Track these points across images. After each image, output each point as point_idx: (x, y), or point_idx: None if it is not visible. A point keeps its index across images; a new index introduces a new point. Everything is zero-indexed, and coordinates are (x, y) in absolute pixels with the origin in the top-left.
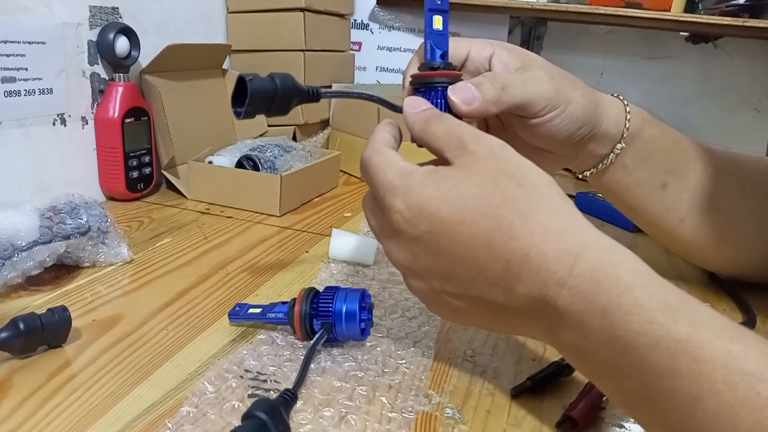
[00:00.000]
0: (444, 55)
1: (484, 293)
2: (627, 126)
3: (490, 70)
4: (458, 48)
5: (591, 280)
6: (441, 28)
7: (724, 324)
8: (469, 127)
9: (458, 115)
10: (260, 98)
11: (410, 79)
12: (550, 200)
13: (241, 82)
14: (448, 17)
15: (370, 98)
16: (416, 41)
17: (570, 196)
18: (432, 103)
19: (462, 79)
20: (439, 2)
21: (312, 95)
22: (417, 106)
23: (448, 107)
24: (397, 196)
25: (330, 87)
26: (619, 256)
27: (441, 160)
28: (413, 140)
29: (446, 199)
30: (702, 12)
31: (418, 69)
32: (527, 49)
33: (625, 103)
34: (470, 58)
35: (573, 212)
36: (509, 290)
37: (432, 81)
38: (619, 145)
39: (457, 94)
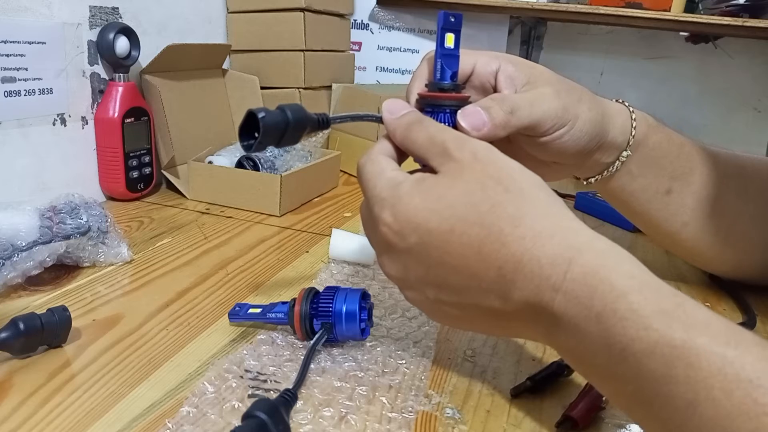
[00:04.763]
0: (454, 76)
1: (480, 300)
2: (633, 134)
3: (495, 84)
4: (463, 62)
5: (585, 285)
6: (452, 46)
7: (720, 328)
8: (451, 132)
9: None
10: (272, 132)
11: (417, 96)
12: (539, 203)
13: (250, 116)
14: (460, 36)
15: (378, 120)
16: (416, 41)
17: (570, 196)
18: None
19: (470, 101)
20: (452, 19)
21: (322, 123)
22: (396, 111)
23: (455, 129)
24: (385, 208)
25: (330, 87)
26: (613, 259)
27: (427, 168)
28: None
29: (434, 210)
30: (702, 12)
31: (426, 87)
32: (527, 49)
33: (631, 109)
34: (476, 73)
35: (564, 214)
36: (504, 296)
37: (441, 103)
38: (624, 153)
39: (466, 118)
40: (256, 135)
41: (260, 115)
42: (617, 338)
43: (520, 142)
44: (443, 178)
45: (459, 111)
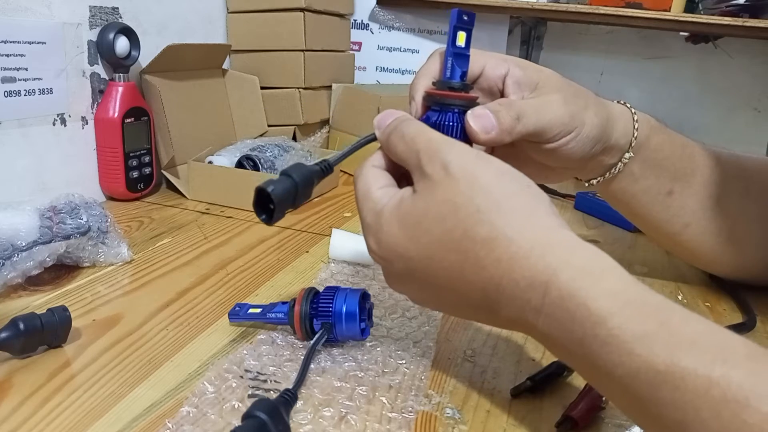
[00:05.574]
0: (463, 75)
1: (473, 313)
2: (635, 135)
3: (503, 89)
4: (473, 63)
5: (563, 309)
6: (464, 45)
7: (708, 343)
8: (425, 139)
9: (469, 139)
10: (285, 200)
11: (423, 94)
12: (515, 217)
13: (260, 192)
14: (471, 35)
15: (374, 139)
16: (416, 41)
17: (570, 196)
18: (446, 124)
19: (478, 103)
20: (466, 18)
21: (326, 170)
22: (383, 124)
23: (462, 129)
24: (369, 235)
25: (330, 87)
26: (592, 277)
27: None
28: None
29: (412, 238)
30: (702, 12)
31: (434, 85)
32: (527, 49)
33: (633, 111)
34: (484, 75)
35: (542, 224)
36: (494, 312)
37: (449, 102)
38: (626, 155)
39: (476, 120)
40: (271, 207)
41: (270, 188)
42: (601, 362)
43: (524, 147)
44: (418, 201)
45: (468, 112)
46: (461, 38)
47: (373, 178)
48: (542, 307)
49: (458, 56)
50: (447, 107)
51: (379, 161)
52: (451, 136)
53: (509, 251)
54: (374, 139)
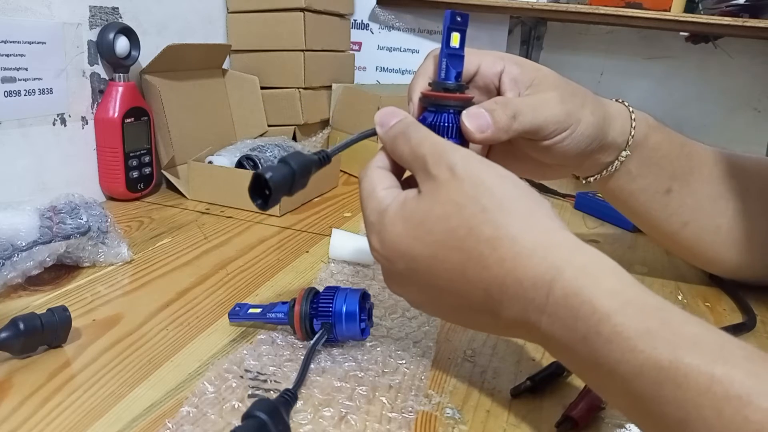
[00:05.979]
0: (458, 76)
1: (473, 316)
2: (632, 134)
3: (499, 86)
4: (468, 62)
5: (567, 307)
6: (458, 45)
7: (708, 344)
8: (430, 143)
9: (465, 139)
10: (282, 187)
11: (420, 95)
12: (518, 218)
13: (258, 178)
14: (466, 35)
15: (374, 134)
16: (416, 41)
17: (570, 196)
18: (442, 125)
19: (474, 102)
20: (459, 19)
21: (323, 160)
22: (386, 122)
23: (458, 130)
24: (372, 233)
25: (330, 87)
26: (594, 276)
27: (413, 181)
28: None
29: (416, 237)
30: (702, 12)
31: (430, 86)
32: (527, 49)
33: (631, 110)
34: (480, 73)
35: (545, 225)
36: (495, 314)
37: (445, 103)
38: (623, 153)
39: (471, 120)
40: (267, 192)
41: (268, 174)
42: (603, 360)
43: (520, 144)
44: (422, 201)
45: (463, 112)
46: (455, 39)
47: (378, 178)
48: (546, 306)
49: (452, 57)
50: (442, 108)
51: (383, 162)
52: (447, 136)
53: (512, 250)
54: (374, 134)
